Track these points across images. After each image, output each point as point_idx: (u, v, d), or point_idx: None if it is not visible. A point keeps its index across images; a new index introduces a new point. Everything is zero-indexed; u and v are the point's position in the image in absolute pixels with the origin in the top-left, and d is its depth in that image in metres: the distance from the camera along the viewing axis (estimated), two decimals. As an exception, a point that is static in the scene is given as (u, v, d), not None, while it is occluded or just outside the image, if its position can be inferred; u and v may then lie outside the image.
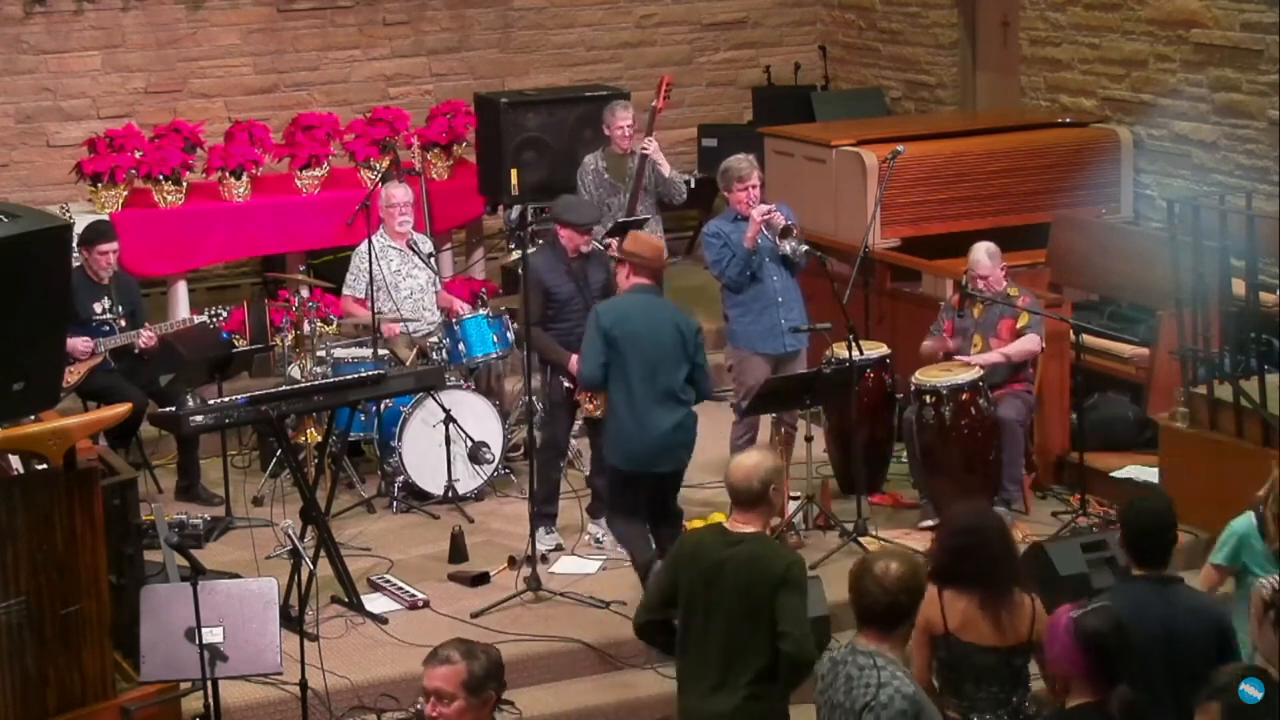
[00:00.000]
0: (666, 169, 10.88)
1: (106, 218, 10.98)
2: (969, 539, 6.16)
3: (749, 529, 6.31)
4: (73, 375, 9.69)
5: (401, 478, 9.90)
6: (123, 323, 10.08)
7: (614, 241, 10.44)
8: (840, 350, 9.30)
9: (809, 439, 9.15)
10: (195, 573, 7.18)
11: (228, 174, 11.55)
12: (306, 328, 10.31)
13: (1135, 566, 6.47)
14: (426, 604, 8.67)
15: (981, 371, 9.33)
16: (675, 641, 6.49)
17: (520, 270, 9.34)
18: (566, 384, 9.10)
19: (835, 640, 8.08)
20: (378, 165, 11.64)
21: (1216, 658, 6.21)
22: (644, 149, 10.82)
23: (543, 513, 9.08)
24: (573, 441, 10.02)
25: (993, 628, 6.22)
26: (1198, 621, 6.25)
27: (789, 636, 6.09)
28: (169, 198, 11.47)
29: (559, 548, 9.22)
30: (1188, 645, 6.18)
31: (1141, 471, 9.67)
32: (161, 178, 11.40)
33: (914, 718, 5.39)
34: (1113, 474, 9.74)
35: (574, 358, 9.02)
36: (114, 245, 10.12)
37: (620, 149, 10.84)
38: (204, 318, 10.20)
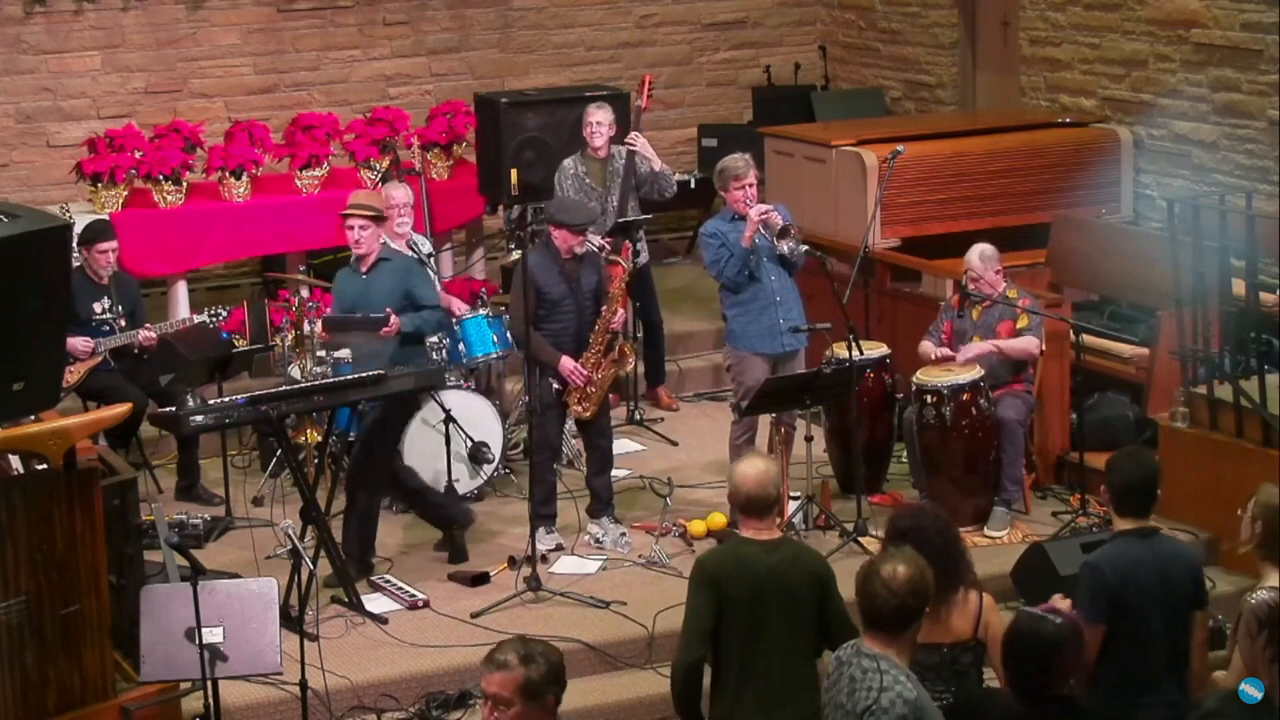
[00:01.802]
0: (657, 163, 10.88)
1: (106, 217, 10.98)
2: (908, 538, 6.18)
3: (775, 534, 6.32)
4: (73, 375, 9.70)
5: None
6: (122, 323, 10.08)
7: (609, 241, 10.46)
8: (840, 350, 9.30)
9: (809, 439, 9.15)
10: (195, 573, 7.16)
11: (228, 174, 11.55)
12: (306, 328, 10.29)
13: (1118, 517, 6.64)
14: (426, 604, 8.67)
15: (982, 371, 9.32)
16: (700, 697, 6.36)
17: (520, 269, 9.35)
18: (556, 385, 9.10)
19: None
20: (378, 165, 11.64)
21: (1193, 600, 6.57)
22: (630, 145, 10.81)
23: (541, 513, 9.08)
24: (572, 442, 10.04)
25: (934, 624, 6.23)
26: (1182, 567, 6.58)
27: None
28: (169, 198, 11.47)
29: (559, 547, 9.22)
30: (1178, 590, 6.51)
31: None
32: (161, 178, 11.39)
33: None
34: (1113, 474, 9.73)
35: (564, 359, 9.04)
36: (113, 244, 10.12)
37: (593, 150, 10.83)
38: (204, 318, 10.20)
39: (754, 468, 6.36)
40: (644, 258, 11.16)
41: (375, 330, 9.18)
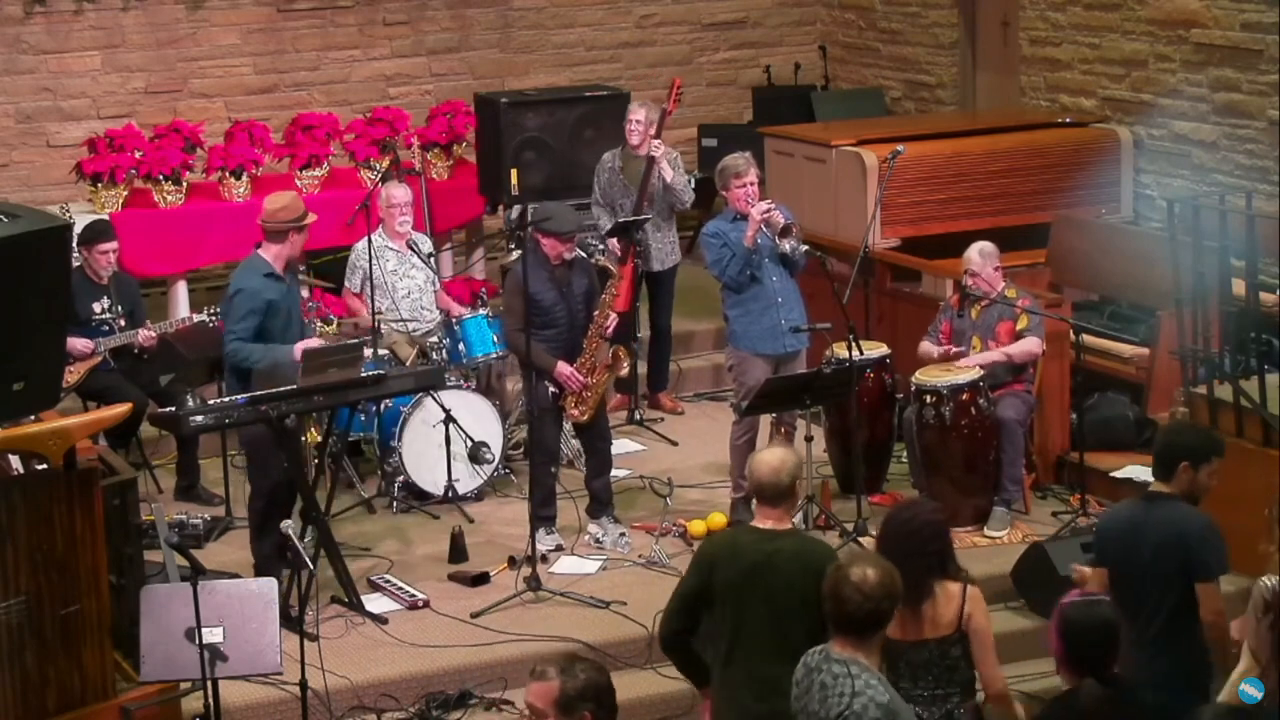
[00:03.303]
0: (669, 174, 10.86)
1: (106, 217, 10.99)
2: (890, 525, 6.34)
3: (783, 526, 6.32)
4: (73, 375, 9.69)
5: (401, 478, 9.90)
6: (122, 322, 10.08)
7: (613, 242, 10.46)
8: (840, 350, 9.30)
9: (809, 439, 9.14)
10: (195, 573, 7.17)
11: (228, 174, 11.55)
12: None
13: (1156, 481, 6.82)
14: (426, 604, 8.67)
15: (982, 371, 9.32)
16: (697, 658, 6.44)
17: (510, 273, 9.35)
18: (552, 390, 9.10)
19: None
20: (378, 165, 11.64)
21: (1182, 570, 6.61)
22: (655, 151, 10.81)
23: (540, 515, 9.08)
24: (572, 442, 10.04)
25: (918, 621, 6.24)
26: (1171, 534, 6.62)
27: None
28: (169, 198, 11.47)
29: (559, 548, 9.22)
30: (1166, 557, 6.61)
31: (1141, 471, 9.66)
32: (161, 178, 11.40)
33: None
34: (1113, 474, 9.73)
35: (560, 364, 9.04)
36: (113, 244, 10.13)
37: (631, 146, 10.85)
38: (204, 317, 10.20)
39: (773, 456, 6.39)
40: (672, 261, 11.16)
41: (357, 360, 8.80)
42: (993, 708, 6.32)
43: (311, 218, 8.97)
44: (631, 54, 14.29)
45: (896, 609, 5.55)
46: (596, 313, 9.22)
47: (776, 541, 6.25)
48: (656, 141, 10.83)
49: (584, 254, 9.37)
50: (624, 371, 9.54)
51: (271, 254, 8.81)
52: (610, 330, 9.24)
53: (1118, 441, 10.00)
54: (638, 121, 10.83)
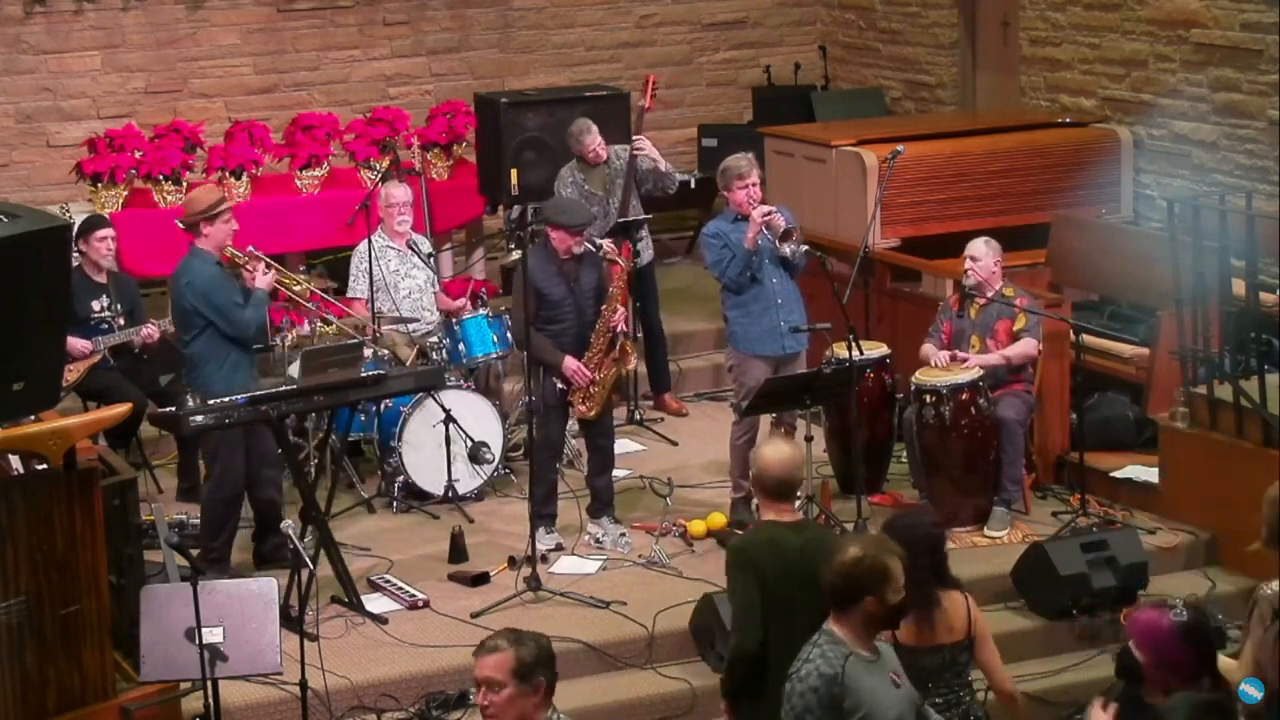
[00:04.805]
0: (663, 164, 10.88)
1: (106, 216, 10.99)
2: (893, 529, 6.39)
3: (798, 516, 6.43)
4: (72, 374, 9.69)
5: (401, 478, 9.90)
6: (121, 321, 10.09)
7: (609, 241, 10.45)
8: (840, 350, 9.29)
9: (809, 439, 9.14)
10: (195, 573, 7.16)
11: (228, 174, 11.55)
12: (307, 328, 10.31)
13: None
14: (426, 604, 8.67)
15: (982, 371, 9.32)
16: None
17: (520, 270, 9.35)
18: (560, 385, 9.11)
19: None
20: (378, 165, 11.65)
21: None
22: (637, 149, 10.80)
23: (541, 513, 9.08)
24: (572, 442, 10.04)
25: (935, 627, 6.33)
26: None
27: None
28: (169, 198, 11.47)
29: (559, 547, 9.22)
30: None
31: (1141, 471, 9.67)
32: (161, 178, 11.41)
33: (826, 696, 5.43)
34: (1113, 474, 9.74)
35: (567, 359, 9.04)
36: (110, 231, 10.17)
37: (601, 161, 10.83)
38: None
39: (780, 452, 6.45)
40: (648, 257, 11.17)
41: (357, 360, 8.93)
42: (1005, 705, 6.38)
43: (224, 206, 8.96)
44: (631, 54, 14.29)
45: (876, 597, 5.58)
46: (604, 307, 9.21)
47: (805, 532, 6.38)
48: (638, 137, 10.83)
49: (593, 249, 9.34)
50: (631, 366, 9.54)
51: (209, 246, 8.91)
52: (618, 325, 9.24)
53: (1118, 441, 10.00)
54: (600, 142, 10.80)
